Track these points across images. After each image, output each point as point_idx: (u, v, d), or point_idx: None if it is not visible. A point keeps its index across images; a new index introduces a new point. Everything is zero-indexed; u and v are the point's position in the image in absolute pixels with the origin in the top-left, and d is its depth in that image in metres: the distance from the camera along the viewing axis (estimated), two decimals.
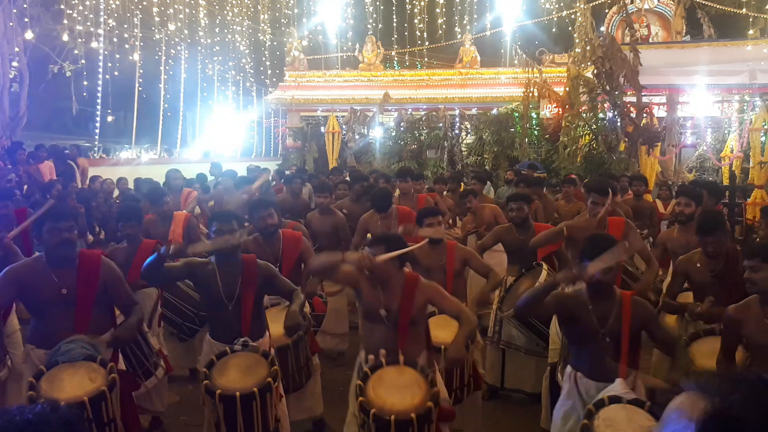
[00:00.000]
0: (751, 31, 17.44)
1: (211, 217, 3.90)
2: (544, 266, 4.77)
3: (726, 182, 12.55)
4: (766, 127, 11.20)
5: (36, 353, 3.41)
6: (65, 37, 16.35)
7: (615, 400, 2.92)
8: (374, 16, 22.17)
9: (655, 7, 17.80)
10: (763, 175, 10.92)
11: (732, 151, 13.23)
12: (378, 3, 22.07)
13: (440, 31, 22.12)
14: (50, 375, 3.02)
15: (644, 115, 11.57)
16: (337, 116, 16.63)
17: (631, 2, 17.32)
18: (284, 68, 21.75)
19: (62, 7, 15.77)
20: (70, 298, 3.41)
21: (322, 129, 17.22)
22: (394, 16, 22.25)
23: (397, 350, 3.22)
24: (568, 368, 3.41)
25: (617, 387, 3.04)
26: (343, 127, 16.70)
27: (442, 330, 3.85)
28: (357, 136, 16.91)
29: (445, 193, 8.73)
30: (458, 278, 4.62)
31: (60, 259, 3.43)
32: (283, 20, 23.07)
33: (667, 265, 5.21)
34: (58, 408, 1.15)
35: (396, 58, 23.20)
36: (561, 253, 5.11)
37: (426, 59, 23.05)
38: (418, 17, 21.95)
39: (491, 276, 4.59)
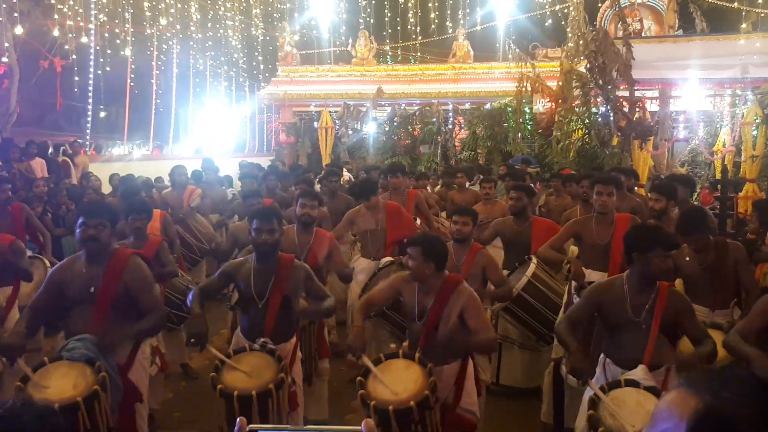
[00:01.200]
0: (743, 25, 17.47)
1: (252, 214, 3.83)
2: (534, 260, 4.76)
3: (718, 176, 12.60)
4: (757, 121, 11.24)
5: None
6: (56, 33, 16.24)
7: (631, 383, 2.95)
8: (367, 10, 22.11)
9: (648, 1, 17.82)
10: (754, 168, 10.98)
11: (724, 145, 13.28)
12: None
13: (433, 26, 22.09)
14: (46, 369, 3.00)
15: (637, 109, 11.59)
16: (330, 111, 16.60)
17: None
18: (277, 63, 21.68)
19: (52, 2, 15.65)
20: (95, 297, 3.37)
21: (315, 124, 17.19)
22: (387, 11, 22.19)
23: (418, 349, 3.27)
24: (602, 355, 3.42)
25: (638, 373, 3.06)
26: (337, 122, 16.67)
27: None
28: (350, 132, 16.89)
29: (438, 188, 8.77)
30: (472, 282, 4.40)
31: (90, 256, 3.42)
32: (275, 15, 22.98)
33: None
34: (32, 403, 1.14)
35: (389, 53, 23.17)
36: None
37: (419, 54, 23.02)
38: (411, 12, 21.90)
39: (505, 288, 4.52)
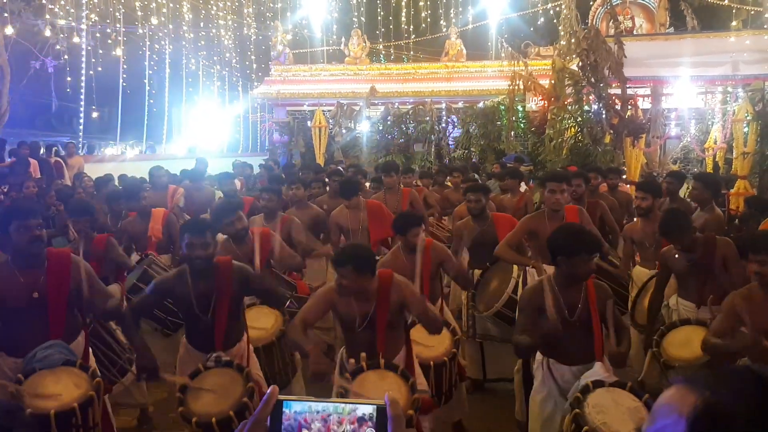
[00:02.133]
0: (733, 23, 17.56)
1: (183, 228, 3.61)
2: (511, 283, 4.73)
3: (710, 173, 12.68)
4: (748, 118, 11.30)
5: (5, 361, 3.20)
6: (47, 33, 16.15)
7: (599, 384, 2.97)
8: (360, 9, 22.09)
9: None
10: (746, 165, 11.04)
11: (715, 142, 13.36)
12: None
13: (425, 25, 22.09)
14: (31, 382, 2.89)
15: (629, 106, 11.62)
16: (323, 110, 16.57)
17: None
18: (270, 62, 21.61)
19: (43, 1, 15.57)
20: (42, 302, 3.21)
21: (309, 123, 17.15)
22: (380, 10, 22.17)
23: (377, 354, 3.16)
24: (539, 356, 3.45)
25: (597, 371, 3.10)
26: (330, 121, 16.64)
27: (423, 347, 3.81)
28: (344, 131, 16.87)
29: (431, 187, 8.76)
30: (434, 281, 4.47)
31: (29, 259, 3.23)
32: (268, 14, 22.91)
33: (634, 256, 5.34)
34: None
35: (382, 52, 23.14)
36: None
37: (412, 53, 23.01)
38: (404, 11, 21.89)
39: (465, 278, 4.60)
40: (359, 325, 3.30)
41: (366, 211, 5.64)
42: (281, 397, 1.00)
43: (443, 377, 3.81)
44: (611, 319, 3.31)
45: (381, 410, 0.98)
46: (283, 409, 0.99)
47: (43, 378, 2.92)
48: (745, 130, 11.36)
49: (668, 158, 14.12)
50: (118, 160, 15.20)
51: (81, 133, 16.82)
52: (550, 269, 4.44)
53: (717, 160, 13.28)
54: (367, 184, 8.61)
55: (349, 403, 0.99)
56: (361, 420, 0.98)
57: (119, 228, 5.75)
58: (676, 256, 4.25)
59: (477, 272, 5.08)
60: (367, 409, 0.98)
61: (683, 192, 6.86)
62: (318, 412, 0.98)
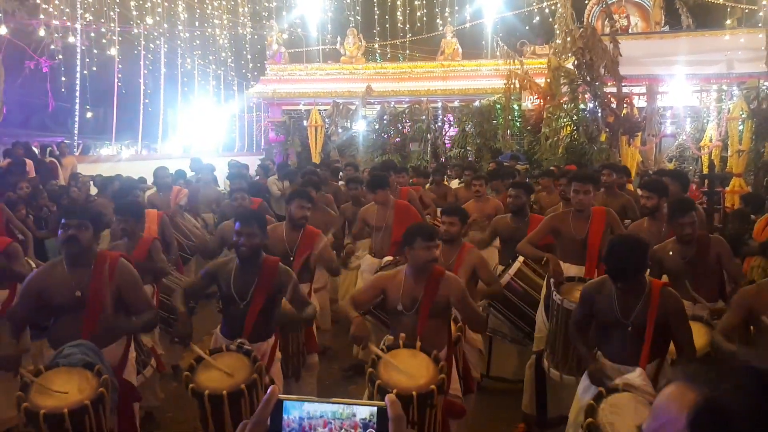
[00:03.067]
0: (728, 21, 17.63)
1: (235, 216, 3.84)
2: (520, 258, 4.81)
3: (705, 171, 12.73)
4: (743, 116, 11.36)
5: (48, 352, 3.37)
6: (41, 32, 16.08)
7: (629, 389, 2.94)
8: (355, 8, 22.08)
9: None
10: (741, 163, 11.09)
11: (711, 140, 13.41)
12: None
13: (421, 24, 22.10)
14: (46, 377, 2.95)
15: (624, 105, 11.66)
16: (319, 110, 16.57)
17: None
18: (265, 62, 21.59)
19: (38, 1, 15.51)
20: (83, 301, 3.31)
21: (305, 123, 17.14)
22: (375, 9, 22.17)
23: (416, 338, 3.30)
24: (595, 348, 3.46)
25: (637, 377, 3.04)
26: (326, 120, 16.64)
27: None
28: (340, 130, 16.87)
29: (427, 186, 8.78)
30: (468, 283, 4.43)
31: (72, 258, 3.34)
32: (263, 13, 22.89)
33: None
34: None
35: (378, 51, 23.14)
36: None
37: (408, 52, 23.02)
38: (400, 9, 21.89)
39: (495, 287, 4.54)
40: (407, 310, 3.47)
41: (393, 210, 5.64)
42: (281, 396, 1.00)
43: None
44: (678, 332, 3.24)
45: (382, 411, 0.98)
46: (284, 414, 0.99)
47: (58, 375, 2.97)
48: (740, 127, 11.41)
49: (664, 156, 14.17)
50: (114, 160, 15.15)
51: (76, 133, 16.74)
52: (570, 268, 4.48)
53: (712, 158, 13.32)
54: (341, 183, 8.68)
55: (349, 404, 0.98)
56: (363, 424, 0.98)
57: (124, 228, 5.69)
58: (671, 253, 4.25)
59: (500, 268, 5.10)
60: (365, 412, 0.98)
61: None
62: (319, 417, 0.98)
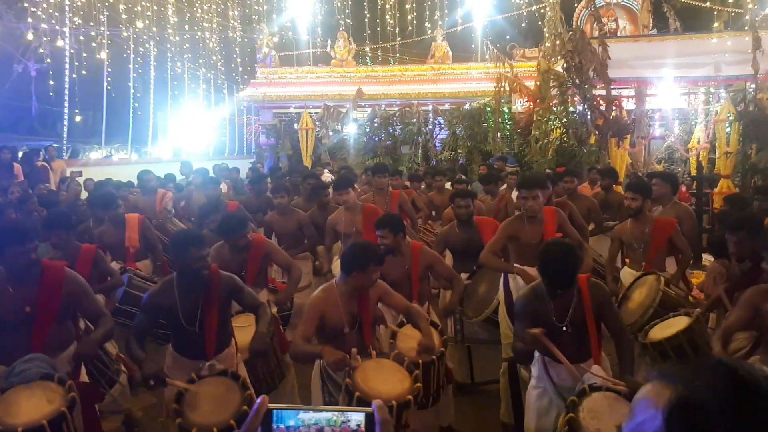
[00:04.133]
0: (715, 24, 17.78)
1: (183, 240, 3.56)
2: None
3: (693, 172, 12.82)
4: (730, 118, 11.46)
5: None
6: (30, 36, 16.00)
7: (595, 388, 2.98)
8: (345, 11, 22.09)
9: (623, 1, 18.06)
10: (728, 165, 11.19)
11: (699, 142, 13.51)
12: None
13: (411, 27, 22.14)
14: (5, 399, 2.84)
15: (613, 107, 11.74)
16: (310, 113, 16.55)
17: None
18: (255, 65, 21.55)
19: (26, 4, 15.42)
20: (32, 316, 3.19)
21: (296, 126, 17.12)
22: (366, 12, 22.20)
23: (369, 353, 3.33)
24: (536, 354, 3.47)
25: (595, 373, 3.11)
26: (317, 123, 16.63)
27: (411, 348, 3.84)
28: (331, 133, 16.86)
29: (422, 187, 8.79)
30: (423, 282, 4.55)
31: (24, 277, 3.21)
32: (253, 17, 22.85)
33: (624, 257, 5.44)
34: None
35: (368, 54, 23.16)
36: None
37: (398, 55, 23.05)
38: (390, 13, 21.93)
39: (456, 283, 4.59)
40: (351, 327, 3.48)
41: (361, 215, 5.63)
42: (271, 406, 1.00)
43: (431, 377, 3.84)
44: (609, 322, 3.33)
45: (370, 417, 0.99)
46: (274, 423, 1.00)
47: (18, 394, 2.86)
48: (728, 130, 11.51)
49: (653, 158, 14.26)
50: (103, 164, 15.07)
51: (65, 137, 16.65)
52: (531, 271, 4.51)
53: (700, 159, 13.43)
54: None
55: (338, 410, 1.00)
56: (352, 430, 0.99)
57: (96, 235, 5.51)
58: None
59: (464, 276, 5.10)
60: (357, 418, 0.99)
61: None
62: (314, 425, 0.99)
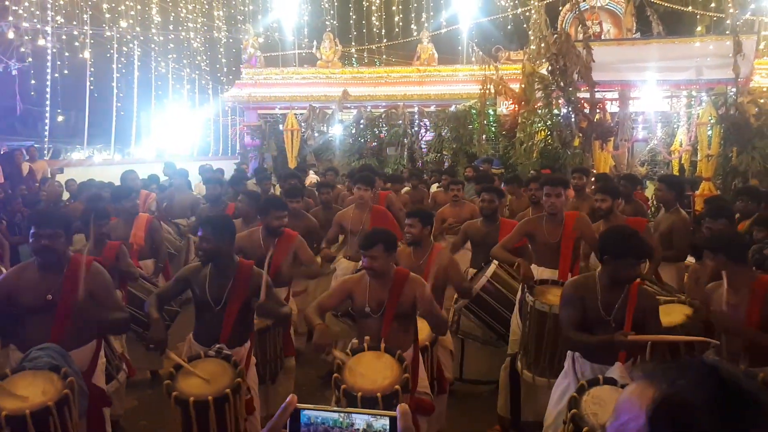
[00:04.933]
0: (698, 29, 18.00)
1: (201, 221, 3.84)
2: (494, 261, 4.84)
3: (676, 174, 12.94)
4: (712, 121, 11.58)
5: (15, 355, 3.35)
6: (11, 35, 15.79)
7: (609, 381, 3.01)
8: (331, 12, 22.07)
9: (607, 4, 18.21)
10: (710, 167, 11.30)
11: (681, 145, 13.65)
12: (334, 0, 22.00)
13: (397, 29, 22.17)
14: (10, 380, 2.94)
15: (597, 110, 11.81)
16: (295, 114, 16.49)
17: (584, 0, 17.67)
18: (240, 65, 21.46)
19: (7, 3, 15.23)
20: (54, 305, 3.31)
21: (281, 127, 17.05)
22: (351, 13, 22.19)
23: (380, 340, 3.37)
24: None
25: (615, 371, 3.13)
26: (302, 124, 16.57)
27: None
28: (316, 134, 16.82)
29: (405, 190, 8.81)
30: (436, 285, 4.53)
31: (47, 265, 3.35)
32: (238, 17, 22.75)
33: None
34: None
35: (354, 56, 23.14)
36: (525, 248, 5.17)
37: (384, 56, 23.06)
38: (376, 14, 21.95)
39: (465, 287, 4.61)
40: (374, 312, 3.54)
41: (370, 214, 5.63)
42: (299, 405, 1.01)
43: (426, 364, 3.90)
44: (654, 327, 3.31)
45: (394, 422, 1.00)
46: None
47: (23, 378, 2.95)
48: (709, 133, 11.63)
49: (636, 161, 14.39)
50: (85, 165, 14.91)
51: (46, 137, 16.46)
52: (543, 272, 4.53)
53: (682, 162, 13.57)
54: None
55: (364, 413, 1.01)
56: None
57: (102, 232, 5.57)
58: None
59: (472, 271, 5.13)
60: (362, 422, 0.99)
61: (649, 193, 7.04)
62: (321, 423, 1.00)
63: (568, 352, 3.52)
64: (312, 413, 1.01)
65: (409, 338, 3.61)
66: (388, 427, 0.99)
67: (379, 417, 1.00)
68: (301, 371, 5.41)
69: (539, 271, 4.67)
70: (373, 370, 3.17)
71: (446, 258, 4.49)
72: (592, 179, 8.46)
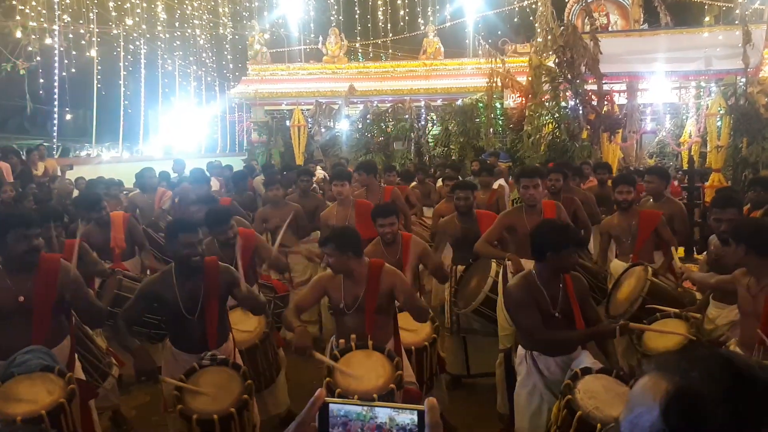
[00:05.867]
0: (706, 19, 17.85)
1: (174, 226, 3.60)
2: (492, 260, 4.81)
3: (685, 167, 12.85)
4: (721, 112, 11.49)
5: None
6: (18, 34, 15.87)
7: (586, 371, 3.04)
8: (336, 7, 22.03)
9: None
10: (719, 158, 11.22)
11: (690, 136, 13.56)
12: None
13: (403, 23, 22.11)
14: (6, 388, 2.88)
15: (605, 102, 11.75)
16: (302, 109, 16.50)
17: None
18: (247, 62, 21.47)
19: (14, 2, 15.29)
20: (27, 306, 3.19)
21: (288, 123, 17.07)
22: (357, 8, 22.14)
23: (365, 337, 3.32)
24: (520, 350, 3.50)
25: (585, 359, 3.18)
26: (309, 120, 16.58)
27: (405, 331, 3.90)
28: (323, 129, 16.82)
29: (412, 185, 8.80)
30: (412, 272, 4.57)
31: (21, 266, 3.22)
32: (244, 13, 22.76)
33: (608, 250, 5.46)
34: (14, 425, 1.12)
35: (360, 51, 23.11)
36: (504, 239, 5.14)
37: (390, 51, 23.01)
38: (381, 9, 21.89)
39: (438, 273, 4.68)
40: (349, 308, 3.48)
41: (354, 210, 5.62)
42: (327, 399, 1.01)
43: (424, 363, 3.89)
44: (591, 309, 3.46)
45: (422, 415, 0.99)
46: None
47: (19, 383, 2.90)
48: (718, 124, 11.54)
49: (644, 153, 14.31)
50: (94, 163, 14.98)
51: (55, 136, 16.54)
52: (528, 263, 4.51)
53: (692, 153, 13.48)
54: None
55: (391, 407, 1.00)
56: (379, 428, 1.00)
57: (82, 236, 5.47)
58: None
59: (460, 268, 5.11)
60: (384, 416, 0.99)
61: None
62: (343, 416, 1.01)
63: (520, 353, 3.50)
64: (335, 407, 1.01)
65: (390, 331, 3.61)
66: (416, 421, 0.99)
67: (401, 411, 1.00)
68: (301, 366, 5.42)
69: (521, 263, 4.65)
70: (366, 369, 3.13)
71: (420, 245, 4.57)
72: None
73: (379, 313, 3.49)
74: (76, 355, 3.55)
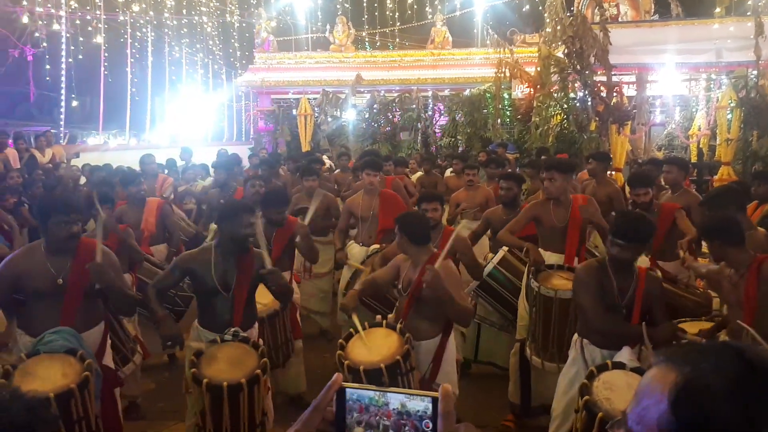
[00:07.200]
0: (717, 10, 17.65)
1: (236, 207, 3.69)
2: (503, 247, 4.83)
3: (694, 159, 12.78)
4: (732, 104, 11.40)
5: (23, 339, 3.33)
6: (25, 20, 15.86)
7: (619, 366, 3.03)
8: None
9: None
10: (729, 151, 11.15)
11: (699, 129, 13.47)
12: None
13: (411, 12, 21.99)
14: (27, 364, 2.94)
15: (614, 94, 11.66)
16: (308, 98, 16.46)
17: None
18: (253, 50, 21.41)
19: None
20: (64, 288, 3.30)
21: (294, 111, 17.03)
22: None
23: (401, 319, 3.49)
24: (575, 336, 3.50)
25: (624, 355, 3.15)
26: (316, 109, 16.54)
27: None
28: (330, 119, 16.78)
29: (418, 174, 8.78)
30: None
31: (61, 249, 3.33)
32: (251, 1, 22.67)
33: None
34: (20, 395, 1.12)
35: (367, 39, 23.01)
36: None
37: (397, 40, 22.91)
38: None
39: (475, 271, 4.62)
40: (404, 290, 3.64)
41: (379, 199, 5.62)
42: (344, 384, 1.02)
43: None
44: (659, 312, 3.36)
45: (436, 402, 0.99)
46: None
47: (40, 361, 2.96)
48: (729, 116, 11.46)
49: (653, 145, 14.22)
50: (101, 150, 14.99)
51: (62, 123, 16.55)
52: (553, 257, 4.50)
53: (701, 146, 13.40)
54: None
55: (405, 393, 1.00)
56: (399, 414, 1.00)
57: (115, 215, 5.52)
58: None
59: (491, 256, 5.13)
60: (396, 401, 0.99)
61: None
62: (357, 401, 1.01)
63: (575, 339, 3.49)
64: (350, 391, 1.02)
65: (436, 327, 3.56)
66: (430, 408, 0.98)
67: (413, 397, 0.99)
68: (316, 355, 5.44)
69: (546, 256, 4.62)
70: (377, 345, 3.27)
71: (461, 239, 4.52)
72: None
73: (419, 302, 3.51)
74: (108, 343, 3.61)
